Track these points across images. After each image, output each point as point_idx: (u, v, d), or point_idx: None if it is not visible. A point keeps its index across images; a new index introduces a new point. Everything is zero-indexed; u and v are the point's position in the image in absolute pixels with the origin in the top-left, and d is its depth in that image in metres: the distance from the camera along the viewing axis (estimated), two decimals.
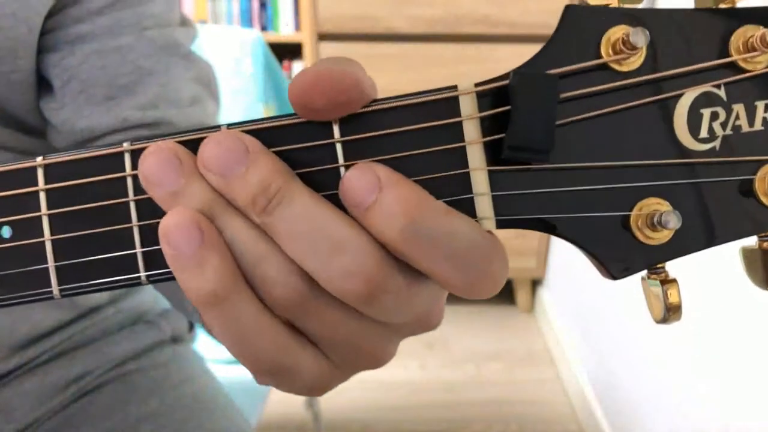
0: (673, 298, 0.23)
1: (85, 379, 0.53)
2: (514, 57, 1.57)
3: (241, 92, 1.37)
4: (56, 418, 0.51)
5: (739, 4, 0.23)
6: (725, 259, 0.26)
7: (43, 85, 0.47)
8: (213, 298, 0.21)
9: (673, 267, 0.23)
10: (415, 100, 0.22)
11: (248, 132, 0.22)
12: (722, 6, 0.23)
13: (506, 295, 1.96)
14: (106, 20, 0.45)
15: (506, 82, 0.22)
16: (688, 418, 1.03)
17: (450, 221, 0.21)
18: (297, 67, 1.97)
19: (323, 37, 1.67)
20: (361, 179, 0.21)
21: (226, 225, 0.22)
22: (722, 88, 0.22)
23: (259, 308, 0.22)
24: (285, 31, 1.95)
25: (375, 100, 0.22)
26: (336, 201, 0.22)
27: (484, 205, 0.22)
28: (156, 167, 0.22)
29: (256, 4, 1.95)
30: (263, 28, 1.95)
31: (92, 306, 0.56)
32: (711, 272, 0.86)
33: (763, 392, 0.83)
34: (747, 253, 0.24)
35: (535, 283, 1.93)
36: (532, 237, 1.77)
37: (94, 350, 0.54)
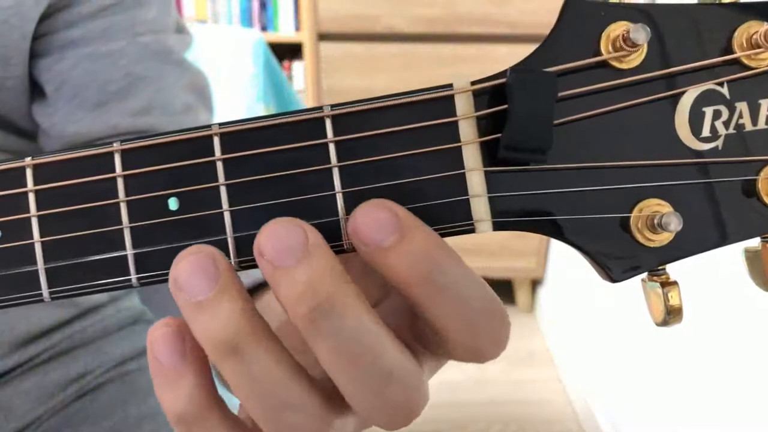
0: (673, 301, 0.23)
1: (85, 379, 0.53)
2: (514, 57, 1.54)
3: (241, 92, 1.37)
4: (56, 417, 0.51)
5: None
6: (728, 260, 0.26)
7: (35, 89, 0.46)
8: (182, 418, 0.21)
9: (674, 268, 0.23)
10: (409, 99, 0.21)
11: (239, 131, 0.22)
12: (725, 0, 0.22)
13: (506, 295, 1.95)
14: (99, 25, 0.44)
15: (503, 80, 0.21)
16: (687, 418, 1.03)
17: (467, 271, 0.20)
18: (297, 67, 1.97)
19: (323, 37, 1.67)
20: (379, 215, 0.19)
21: (254, 359, 0.20)
22: (725, 85, 0.22)
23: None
24: (285, 31, 1.94)
25: (369, 99, 0.22)
26: (329, 204, 0.21)
27: (480, 206, 0.21)
28: (188, 270, 0.20)
29: (256, 4, 1.95)
30: (263, 28, 1.95)
31: (92, 305, 0.56)
32: (713, 273, 0.86)
33: (765, 393, 0.83)
34: (750, 255, 0.23)
35: (535, 283, 1.93)
36: (532, 237, 1.77)
37: (95, 349, 0.54)
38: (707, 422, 0.97)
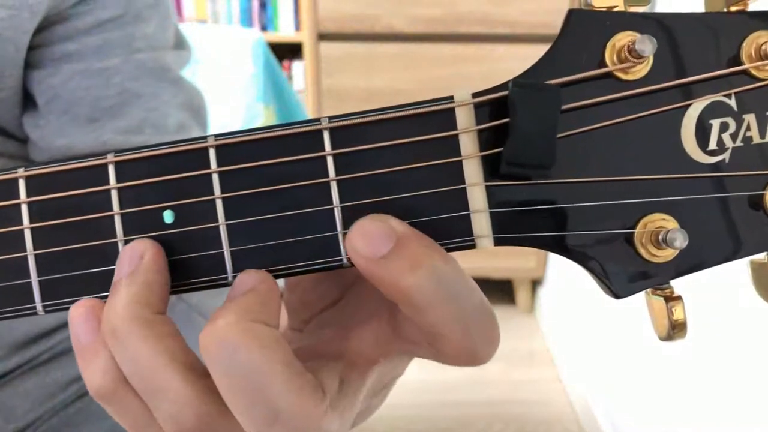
0: (677, 315, 0.22)
1: None
2: (514, 57, 1.56)
3: (241, 92, 1.36)
4: (57, 418, 0.51)
5: (752, 6, 0.22)
6: (732, 272, 0.25)
7: (27, 99, 0.46)
8: (99, 393, 0.22)
9: (678, 280, 0.23)
10: (409, 112, 0.21)
11: (235, 143, 0.21)
12: (733, 9, 0.21)
13: (506, 295, 1.95)
14: (95, 40, 0.44)
15: (505, 92, 0.21)
16: (687, 419, 1.03)
17: (462, 275, 0.20)
18: (297, 67, 1.97)
19: (323, 37, 1.67)
20: (372, 227, 0.20)
21: (129, 342, 0.21)
22: (733, 97, 0.21)
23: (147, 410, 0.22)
24: (285, 31, 1.94)
25: (368, 112, 0.21)
26: (327, 218, 0.21)
27: (481, 222, 0.21)
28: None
29: (256, 4, 1.95)
30: (263, 28, 1.94)
31: None
32: (716, 280, 0.85)
33: (764, 396, 0.83)
34: (756, 267, 0.23)
35: (535, 283, 1.93)
36: None
37: None
38: (707, 423, 0.97)
